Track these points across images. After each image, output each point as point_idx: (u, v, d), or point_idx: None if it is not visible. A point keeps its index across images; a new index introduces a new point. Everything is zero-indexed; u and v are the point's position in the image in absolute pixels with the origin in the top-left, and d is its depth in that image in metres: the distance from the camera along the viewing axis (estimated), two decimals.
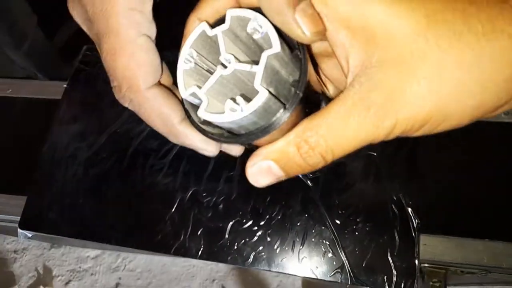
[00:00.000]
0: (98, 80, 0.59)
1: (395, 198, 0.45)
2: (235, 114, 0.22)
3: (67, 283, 1.22)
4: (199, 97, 0.24)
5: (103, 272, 1.22)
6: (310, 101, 0.27)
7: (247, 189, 0.49)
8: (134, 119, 0.55)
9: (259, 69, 0.22)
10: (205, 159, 0.51)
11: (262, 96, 0.21)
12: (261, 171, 0.24)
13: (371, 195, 0.46)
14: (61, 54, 1.13)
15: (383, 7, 0.20)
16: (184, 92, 0.25)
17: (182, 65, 0.25)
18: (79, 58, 0.61)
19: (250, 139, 0.24)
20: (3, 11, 0.93)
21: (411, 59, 0.20)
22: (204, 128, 0.26)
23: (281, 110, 0.23)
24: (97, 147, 0.55)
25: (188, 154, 0.52)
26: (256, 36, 0.23)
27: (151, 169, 0.52)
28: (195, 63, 0.25)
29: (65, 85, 0.60)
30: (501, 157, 0.48)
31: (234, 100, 0.22)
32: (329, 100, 0.29)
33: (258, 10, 0.23)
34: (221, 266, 1.15)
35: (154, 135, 0.54)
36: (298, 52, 0.24)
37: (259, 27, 0.22)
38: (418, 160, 0.47)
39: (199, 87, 0.24)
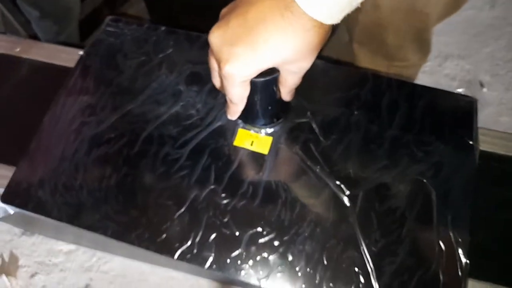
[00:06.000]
0: (119, 53, 0.53)
1: (444, 232, 0.40)
2: None
3: (32, 276, 1.11)
4: None
5: (74, 270, 1.12)
6: None
7: (275, 195, 0.43)
8: (154, 100, 0.49)
9: None
10: (231, 155, 0.45)
11: None
12: None
13: (416, 224, 0.40)
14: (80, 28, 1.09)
15: None
16: None
17: None
18: (102, 27, 0.56)
19: None
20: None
21: None
22: None
23: None
24: (107, 125, 0.48)
25: (212, 147, 0.46)
26: None
27: (165, 158, 0.46)
28: None
29: (81, 53, 0.54)
30: None
31: None
32: None
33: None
34: (202, 282, 1.07)
35: (175, 121, 0.48)
36: None
37: None
38: (478, 193, 0.42)
39: None
